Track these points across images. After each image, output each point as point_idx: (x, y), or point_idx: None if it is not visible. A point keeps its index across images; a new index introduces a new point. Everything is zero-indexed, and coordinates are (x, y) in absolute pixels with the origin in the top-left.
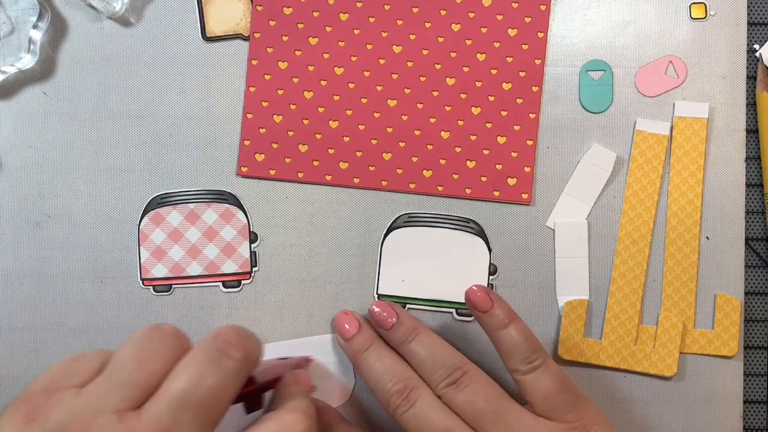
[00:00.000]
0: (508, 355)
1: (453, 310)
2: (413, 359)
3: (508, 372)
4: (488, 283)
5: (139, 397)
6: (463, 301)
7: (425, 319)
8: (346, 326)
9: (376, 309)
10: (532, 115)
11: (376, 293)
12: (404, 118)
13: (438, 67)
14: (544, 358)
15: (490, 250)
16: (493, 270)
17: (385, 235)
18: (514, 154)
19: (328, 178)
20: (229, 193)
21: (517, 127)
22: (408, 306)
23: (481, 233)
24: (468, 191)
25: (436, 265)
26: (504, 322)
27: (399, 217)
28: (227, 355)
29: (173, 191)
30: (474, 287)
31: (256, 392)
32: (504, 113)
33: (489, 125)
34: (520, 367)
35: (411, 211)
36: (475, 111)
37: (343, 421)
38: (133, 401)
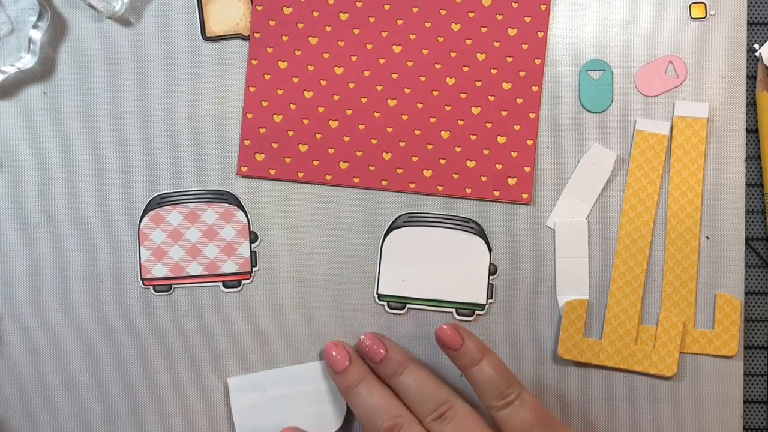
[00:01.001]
0: (482, 392)
1: (453, 310)
2: (402, 392)
3: (484, 407)
4: (488, 283)
5: None
6: (463, 300)
7: (425, 319)
8: (337, 358)
9: (366, 342)
10: (532, 115)
11: (376, 293)
12: (404, 117)
13: (438, 66)
14: (518, 391)
15: (490, 250)
16: (493, 270)
17: (385, 235)
18: (514, 154)
19: (328, 178)
20: (229, 192)
21: (517, 127)
22: (408, 306)
23: (481, 233)
24: (468, 191)
25: (436, 265)
26: (476, 359)
27: (399, 216)
28: None
29: (173, 191)
30: (444, 326)
31: None
32: (504, 113)
33: (489, 125)
34: (495, 403)
35: (411, 211)
36: (475, 111)
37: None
38: None
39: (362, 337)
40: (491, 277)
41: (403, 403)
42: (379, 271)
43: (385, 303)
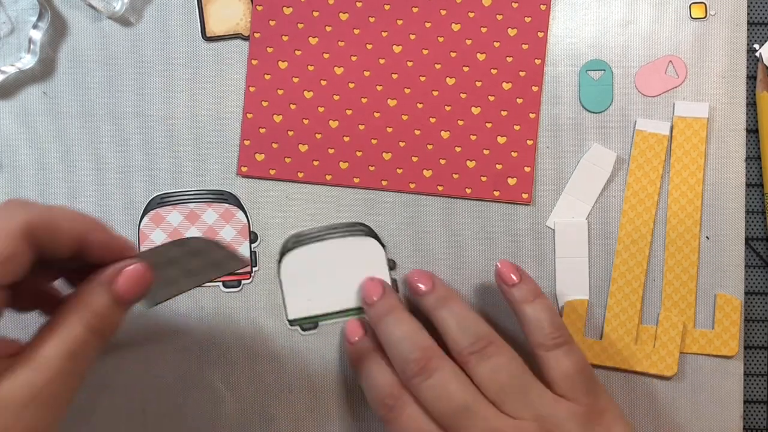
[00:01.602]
0: (532, 330)
1: (364, 315)
2: (441, 325)
3: (529, 349)
4: (390, 279)
5: None
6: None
7: (339, 330)
8: (370, 289)
9: (414, 276)
10: (532, 115)
11: (286, 320)
12: (404, 117)
13: (438, 66)
14: (567, 337)
15: (384, 246)
16: (392, 265)
17: (279, 262)
18: (514, 154)
19: (328, 178)
20: (229, 192)
21: (517, 127)
22: (320, 323)
23: (370, 233)
24: (468, 191)
25: (336, 276)
26: (530, 297)
27: (288, 240)
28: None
29: (173, 191)
30: (503, 262)
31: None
32: (504, 113)
33: (489, 125)
34: (544, 342)
35: (297, 231)
36: (475, 111)
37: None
38: None
39: (409, 273)
40: (392, 272)
41: (443, 338)
42: (283, 299)
43: (297, 327)
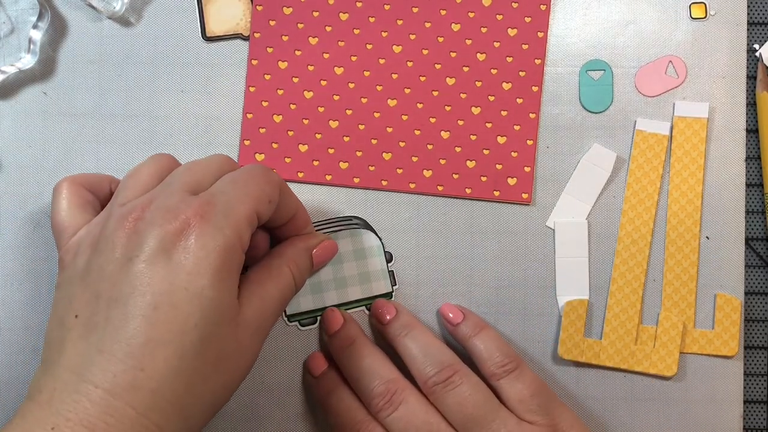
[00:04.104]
0: (483, 361)
1: (363, 307)
2: (405, 354)
3: (486, 378)
4: (388, 270)
5: (196, 183)
6: (370, 295)
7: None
8: (332, 320)
9: (378, 307)
10: (532, 115)
11: (285, 315)
12: (404, 118)
13: (438, 67)
14: (518, 363)
15: (380, 239)
16: (389, 257)
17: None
18: (514, 154)
19: (328, 178)
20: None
21: (517, 127)
22: (319, 317)
23: (366, 226)
24: (468, 191)
25: (335, 269)
26: (476, 331)
27: None
28: (271, 171)
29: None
30: (445, 306)
31: None
32: (504, 113)
33: (489, 125)
34: (495, 371)
35: None
36: (475, 111)
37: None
38: (191, 184)
39: (375, 302)
40: (389, 264)
41: (407, 366)
42: None
43: (296, 322)
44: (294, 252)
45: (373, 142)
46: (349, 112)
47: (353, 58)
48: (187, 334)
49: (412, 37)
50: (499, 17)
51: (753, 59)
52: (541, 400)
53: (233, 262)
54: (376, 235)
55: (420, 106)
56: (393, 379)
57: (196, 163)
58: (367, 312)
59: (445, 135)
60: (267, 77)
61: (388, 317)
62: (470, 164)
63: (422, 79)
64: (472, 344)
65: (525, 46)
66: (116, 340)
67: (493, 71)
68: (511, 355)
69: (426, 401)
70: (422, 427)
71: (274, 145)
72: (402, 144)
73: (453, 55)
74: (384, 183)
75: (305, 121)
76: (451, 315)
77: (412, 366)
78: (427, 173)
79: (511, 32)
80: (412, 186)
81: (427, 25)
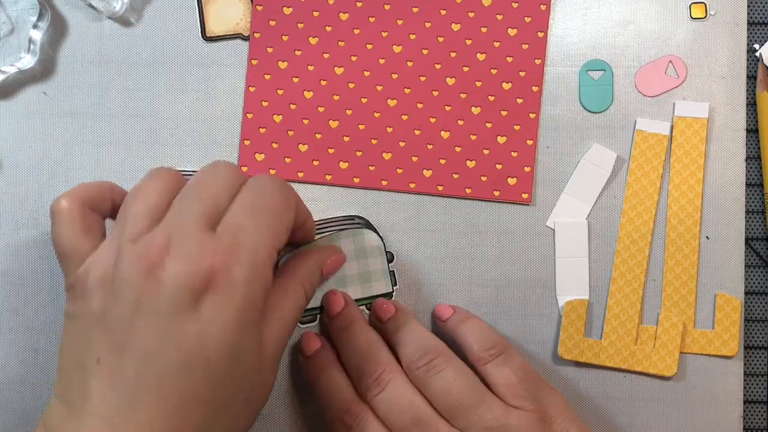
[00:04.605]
0: (469, 347)
1: (363, 307)
2: (392, 339)
3: (472, 363)
4: (389, 270)
5: (211, 213)
6: (370, 294)
7: None
8: (333, 302)
9: (380, 306)
10: (532, 115)
11: None
12: (404, 117)
13: (438, 67)
14: (504, 347)
15: (382, 239)
16: (390, 257)
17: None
18: (514, 154)
19: (328, 178)
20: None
21: (517, 127)
22: (318, 315)
23: (368, 225)
24: (468, 191)
25: None
26: (462, 319)
27: None
28: (287, 187)
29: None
30: (439, 305)
31: None
32: (504, 113)
33: (489, 125)
34: (481, 356)
35: None
36: (475, 111)
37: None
38: (207, 216)
39: (375, 302)
40: (390, 265)
41: (396, 354)
42: None
43: None
44: (307, 269)
45: (373, 142)
46: (349, 112)
47: (353, 58)
48: (223, 389)
49: (412, 37)
50: (499, 17)
51: (753, 59)
52: (528, 385)
53: (259, 308)
54: (378, 235)
55: (420, 106)
56: (385, 361)
57: (203, 185)
58: (367, 311)
59: (445, 135)
60: (267, 77)
61: (386, 316)
62: (470, 164)
63: (422, 79)
64: (458, 332)
65: (525, 46)
66: (151, 396)
67: (493, 71)
68: (496, 341)
69: (413, 385)
70: (408, 408)
71: (274, 145)
72: (402, 144)
73: (453, 55)
74: (384, 183)
75: (305, 121)
76: (441, 313)
77: (399, 352)
78: (427, 173)
79: (511, 32)
80: (412, 186)
81: (427, 25)
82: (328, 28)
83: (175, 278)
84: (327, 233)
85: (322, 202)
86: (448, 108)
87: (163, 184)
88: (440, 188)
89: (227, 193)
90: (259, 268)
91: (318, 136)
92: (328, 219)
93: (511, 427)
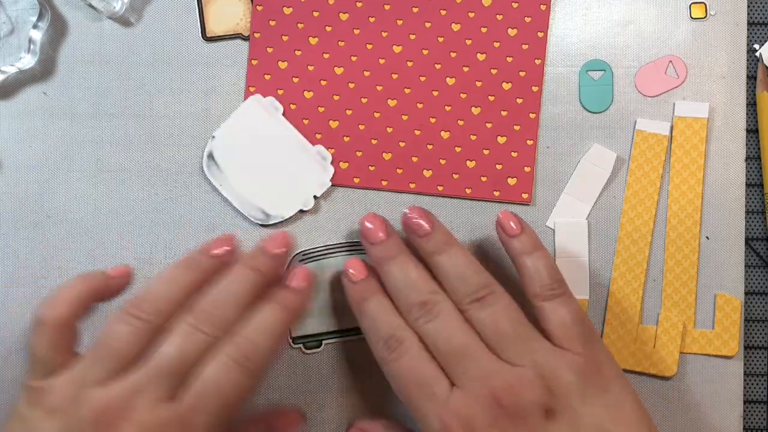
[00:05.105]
0: (530, 280)
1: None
2: (440, 272)
3: (527, 299)
4: None
5: (174, 386)
6: None
7: (344, 348)
8: (374, 229)
9: (412, 214)
10: (532, 115)
11: (290, 336)
12: (404, 118)
13: (438, 67)
14: (565, 289)
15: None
16: None
17: None
18: (514, 154)
19: None
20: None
21: (517, 127)
22: (324, 341)
23: None
24: (468, 191)
25: (342, 294)
26: (529, 249)
27: (294, 256)
28: (243, 366)
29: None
30: (505, 212)
31: None
32: (504, 113)
33: (489, 125)
34: (540, 292)
35: (303, 249)
36: (475, 111)
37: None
38: (172, 384)
39: (407, 209)
40: None
41: (442, 283)
42: None
43: (301, 345)
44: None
45: (373, 142)
46: (349, 112)
47: (353, 58)
48: None
49: (412, 37)
50: (499, 17)
51: (753, 59)
52: (582, 330)
53: None
54: None
55: (420, 106)
56: (434, 290)
57: (177, 347)
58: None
59: (445, 135)
60: (267, 77)
61: (424, 228)
62: (470, 164)
63: (422, 79)
64: (523, 261)
65: (525, 46)
66: None
67: (493, 71)
68: (560, 280)
69: (462, 317)
70: (455, 337)
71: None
72: (402, 144)
73: (453, 55)
74: (384, 183)
75: (305, 121)
76: (510, 224)
77: (447, 285)
78: (427, 173)
79: (511, 32)
80: (412, 186)
81: (427, 25)
82: (328, 28)
83: None
84: (338, 257)
85: (322, 202)
86: (448, 108)
87: (144, 331)
88: (440, 188)
89: (205, 350)
90: None
91: (318, 136)
92: (336, 244)
93: (557, 366)
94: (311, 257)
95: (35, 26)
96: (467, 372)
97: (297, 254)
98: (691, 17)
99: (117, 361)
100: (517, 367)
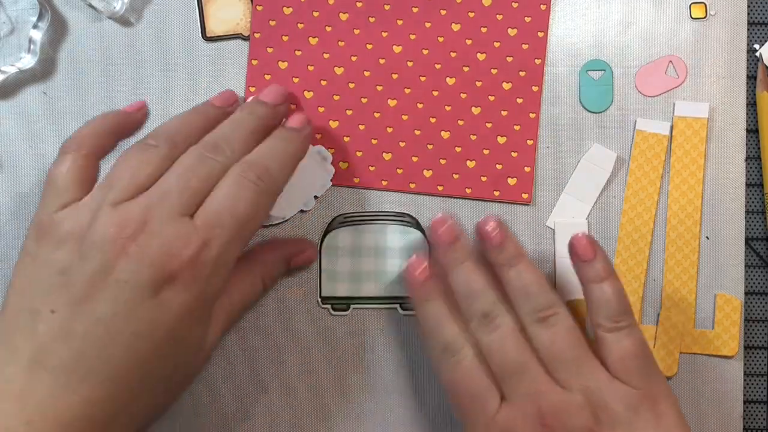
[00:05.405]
0: (597, 309)
1: (397, 305)
2: (508, 285)
3: (590, 326)
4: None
5: (194, 198)
6: (406, 293)
7: (370, 316)
8: (447, 230)
9: (487, 226)
10: (532, 115)
11: (319, 297)
12: (404, 118)
13: (438, 66)
14: (631, 321)
15: (428, 240)
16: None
17: (322, 239)
18: (514, 154)
19: None
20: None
21: (517, 127)
22: (352, 306)
23: (417, 225)
24: (468, 191)
25: (376, 261)
26: (601, 276)
27: (335, 218)
28: (255, 184)
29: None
30: (580, 234)
31: None
32: (504, 113)
33: (489, 125)
34: (605, 323)
35: (347, 212)
36: (475, 111)
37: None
38: (189, 201)
39: (482, 219)
40: None
41: (509, 296)
42: (320, 275)
43: (329, 306)
44: (271, 261)
45: (373, 142)
46: (349, 112)
47: (353, 58)
48: (161, 368)
49: (412, 37)
50: (499, 17)
51: (753, 59)
52: (641, 363)
53: (212, 303)
54: (425, 236)
55: (420, 106)
56: (497, 302)
57: (189, 168)
58: (402, 312)
59: (445, 135)
60: (267, 77)
61: (498, 241)
62: (470, 164)
63: (422, 79)
64: (592, 288)
65: (525, 46)
66: (97, 357)
67: (493, 71)
68: (627, 312)
69: (521, 334)
70: (511, 351)
71: None
72: (402, 144)
73: (453, 55)
74: (384, 183)
75: None
76: (582, 249)
77: (513, 299)
78: (427, 173)
79: (511, 32)
80: (412, 186)
81: (427, 25)
82: (328, 28)
83: (143, 258)
84: (378, 224)
85: (322, 202)
86: (448, 108)
87: (156, 158)
88: (440, 188)
89: (217, 175)
90: (222, 267)
91: (318, 136)
92: (380, 212)
93: (608, 397)
94: (350, 221)
95: (35, 26)
96: (519, 388)
97: (338, 216)
98: (691, 17)
99: (131, 186)
100: (568, 391)
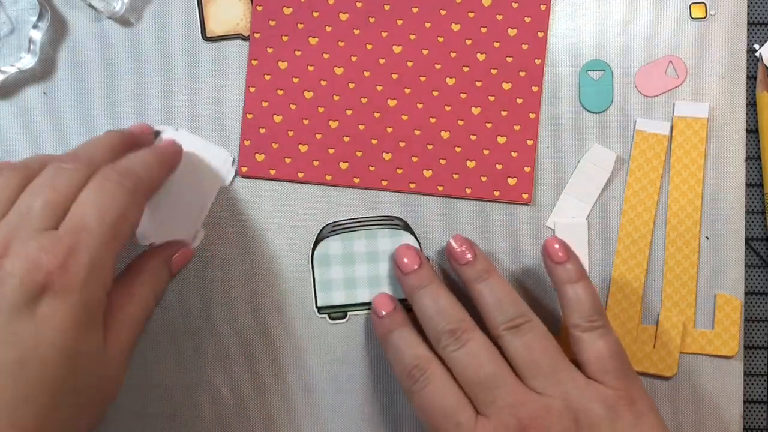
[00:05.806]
0: (570, 310)
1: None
2: (479, 299)
3: (565, 328)
4: None
5: (56, 209)
6: (402, 297)
7: (368, 321)
8: (406, 260)
9: (454, 244)
10: (532, 115)
11: (316, 307)
12: (404, 118)
13: (438, 67)
14: (605, 322)
15: (418, 242)
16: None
17: (314, 249)
18: (514, 154)
19: (328, 178)
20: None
21: (517, 127)
22: (349, 313)
23: (406, 227)
24: (468, 191)
25: (369, 267)
26: (574, 277)
27: (323, 228)
28: (119, 183)
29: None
30: (553, 238)
31: None
32: (504, 113)
33: (489, 125)
34: (580, 323)
35: (335, 220)
36: (475, 111)
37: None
38: (51, 213)
39: (451, 239)
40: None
41: (479, 311)
42: (314, 286)
43: (326, 315)
44: (154, 266)
45: (373, 142)
46: (349, 112)
47: (353, 58)
48: (57, 389)
49: (412, 37)
50: (499, 17)
51: (753, 59)
52: (618, 364)
53: (98, 309)
54: (415, 238)
55: (420, 106)
56: (463, 318)
57: (45, 183)
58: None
59: (445, 135)
60: (267, 77)
61: (467, 258)
62: (470, 164)
63: (422, 79)
64: (565, 290)
65: (525, 46)
66: None
67: (493, 71)
68: (601, 313)
69: (492, 344)
70: (484, 364)
71: (274, 145)
72: (402, 144)
73: (453, 55)
74: (384, 183)
75: (305, 121)
76: (557, 251)
77: (483, 311)
78: (427, 173)
79: (511, 32)
80: (412, 186)
81: (427, 25)
82: (328, 29)
83: (11, 279)
84: (367, 230)
85: (322, 202)
86: (448, 108)
87: (13, 182)
88: (440, 188)
89: (77, 185)
90: (98, 270)
91: (318, 136)
92: (367, 217)
93: (587, 399)
94: (340, 229)
95: (35, 26)
96: (495, 401)
97: (327, 225)
98: (691, 17)
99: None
100: (547, 397)
